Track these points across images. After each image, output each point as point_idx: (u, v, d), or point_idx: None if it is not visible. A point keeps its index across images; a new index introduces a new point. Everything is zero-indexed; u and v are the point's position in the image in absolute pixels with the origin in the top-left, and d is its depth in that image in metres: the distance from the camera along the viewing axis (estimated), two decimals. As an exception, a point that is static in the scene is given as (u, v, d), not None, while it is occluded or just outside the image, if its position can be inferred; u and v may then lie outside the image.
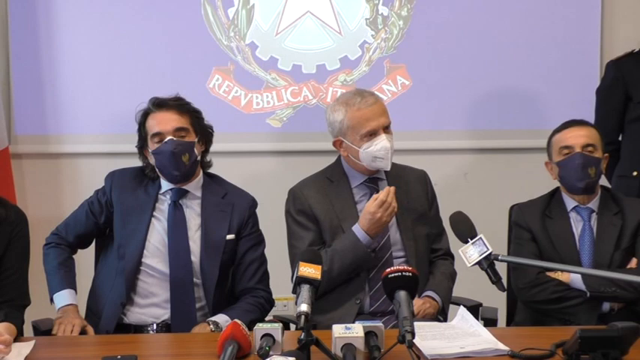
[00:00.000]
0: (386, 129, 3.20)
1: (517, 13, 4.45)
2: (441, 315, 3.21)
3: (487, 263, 2.52)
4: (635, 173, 3.96)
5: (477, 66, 4.45)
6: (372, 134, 3.17)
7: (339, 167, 3.33)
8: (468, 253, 2.55)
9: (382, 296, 3.10)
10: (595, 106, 4.14)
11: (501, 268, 2.56)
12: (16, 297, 2.87)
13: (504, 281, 2.58)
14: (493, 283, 2.53)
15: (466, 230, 2.62)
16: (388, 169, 3.22)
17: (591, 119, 3.50)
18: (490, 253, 2.52)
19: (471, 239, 2.56)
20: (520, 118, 4.47)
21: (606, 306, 3.18)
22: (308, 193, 3.28)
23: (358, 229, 3.13)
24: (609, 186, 3.91)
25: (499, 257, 2.54)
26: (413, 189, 3.33)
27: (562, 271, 3.15)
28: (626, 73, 3.99)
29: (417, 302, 3.11)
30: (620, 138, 4.05)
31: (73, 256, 3.27)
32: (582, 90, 4.42)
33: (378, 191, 3.25)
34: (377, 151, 3.16)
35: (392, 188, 3.13)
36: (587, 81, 4.43)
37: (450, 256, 3.39)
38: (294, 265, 3.15)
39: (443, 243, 3.38)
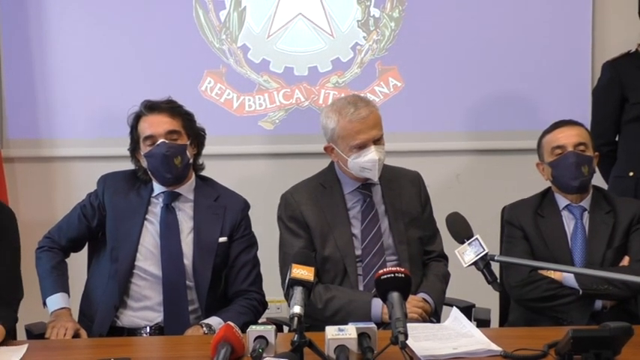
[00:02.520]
0: (377, 141, 3.16)
1: (508, 14, 4.45)
2: (433, 317, 3.20)
3: (483, 264, 2.52)
4: (631, 174, 3.97)
5: (469, 68, 4.45)
6: (361, 147, 3.14)
7: (332, 173, 3.31)
8: (465, 254, 2.56)
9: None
10: (591, 106, 4.16)
11: (494, 267, 2.57)
12: (6, 291, 2.85)
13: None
14: (489, 283, 2.54)
15: (462, 231, 2.62)
16: (375, 179, 3.21)
17: (583, 120, 3.50)
18: (486, 254, 2.52)
19: (467, 240, 2.57)
20: (512, 120, 4.48)
21: (599, 304, 3.19)
22: (300, 199, 3.27)
23: (377, 311, 3.06)
24: (606, 186, 3.94)
25: (495, 257, 2.55)
26: (406, 192, 3.33)
27: (556, 270, 3.16)
28: (623, 73, 4.00)
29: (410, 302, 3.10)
30: (616, 138, 4.07)
31: (66, 260, 3.27)
32: (574, 91, 4.44)
33: (371, 197, 3.26)
34: (364, 162, 3.14)
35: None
36: (579, 82, 4.45)
37: (443, 258, 3.39)
38: (284, 271, 3.16)
39: (436, 245, 3.38)
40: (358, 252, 3.21)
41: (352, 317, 2.95)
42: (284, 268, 3.19)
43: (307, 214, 3.23)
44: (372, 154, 3.14)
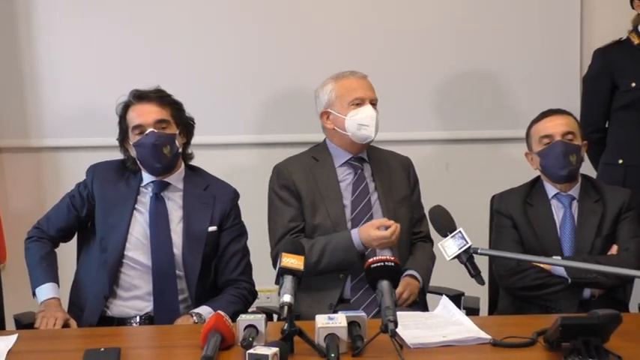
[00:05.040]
0: (373, 104, 3.29)
1: (496, 3, 4.44)
2: (420, 295, 3.25)
3: (466, 257, 2.51)
4: (620, 161, 4.00)
5: (458, 56, 4.43)
6: (359, 103, 3.27)
7: (324, 147, 3.40)
8: (447, 247, 2.54)
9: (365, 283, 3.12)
10: (581, 94, 4.17)
11: (483, 257, 2.56)
12: None
13: (486, 268, 2.59)
14: (472, 276, 2.53)
15: (445, 224, 2.61)
16: (373, 137, 3.28)
17: (572, 109, 3.51)
18: (469, 247, 2.51)
19: (450, 233, 2.56)
20: (501, 109, 4.47)
21: (587, 292, 3.21)
22: (292, 169, 3.35)
23: (356, 237, 3.17)
24: (595, 174, 3.95)
25: (478, 250, 2.54)
26: (395, 173, 3.40)
27: (542, 263, 3.16)
28: (613, 61, 4.02)
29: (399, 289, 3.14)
30: (606, 126, 4.08)
31: (55, 250, 3.26)
32: (563, 80, 4.44)
33: (362, 170, 3.33)
34: (362, 118, 3.24)
35: (398, 228, 3.16)
36: (568, 71, 4.45)
37: (429, 240, 3.44)
38: (273, 240, 3.28)
39: (423, 226, 3.43)
40: (349, 224, 3.26)
41: (338, 253, 3.16)
42: (273, 238, 3.30)
43: (299, 183, 3.30)
44: (369, 111, 3.26)
